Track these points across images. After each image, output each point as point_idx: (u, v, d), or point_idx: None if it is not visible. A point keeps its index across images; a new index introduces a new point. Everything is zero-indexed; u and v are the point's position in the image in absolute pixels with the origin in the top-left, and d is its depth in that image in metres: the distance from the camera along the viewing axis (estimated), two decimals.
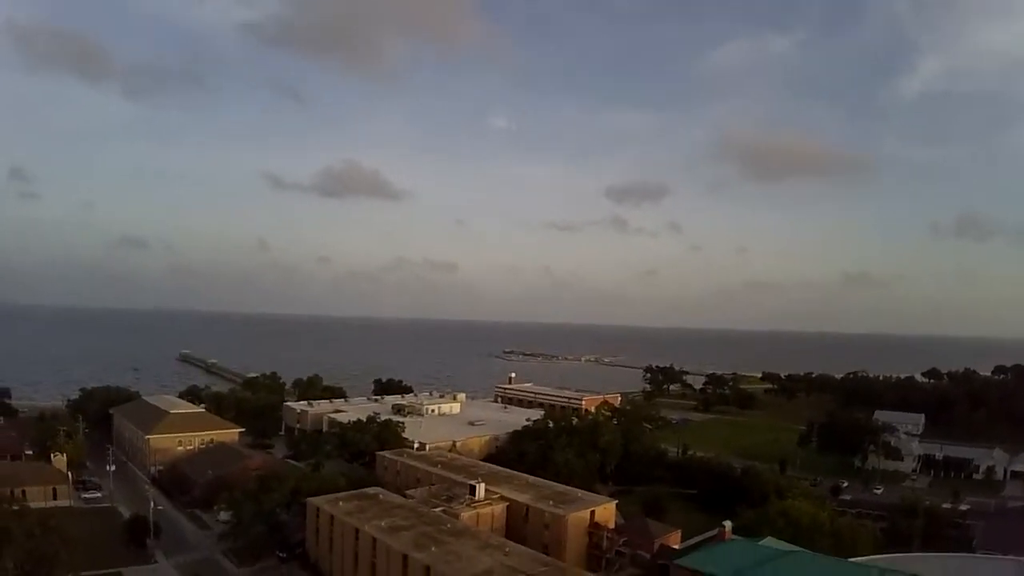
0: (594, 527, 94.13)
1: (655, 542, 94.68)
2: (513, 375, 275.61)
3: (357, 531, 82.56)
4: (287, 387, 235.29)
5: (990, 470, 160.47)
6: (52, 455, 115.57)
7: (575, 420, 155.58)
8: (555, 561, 77.69)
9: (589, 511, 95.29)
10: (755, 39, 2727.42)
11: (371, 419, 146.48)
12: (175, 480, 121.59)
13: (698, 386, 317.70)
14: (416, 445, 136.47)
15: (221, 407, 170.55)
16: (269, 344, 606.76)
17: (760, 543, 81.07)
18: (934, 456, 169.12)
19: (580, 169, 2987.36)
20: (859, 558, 79.44)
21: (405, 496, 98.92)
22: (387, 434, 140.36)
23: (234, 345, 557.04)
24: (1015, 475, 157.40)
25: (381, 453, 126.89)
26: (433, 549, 75.05)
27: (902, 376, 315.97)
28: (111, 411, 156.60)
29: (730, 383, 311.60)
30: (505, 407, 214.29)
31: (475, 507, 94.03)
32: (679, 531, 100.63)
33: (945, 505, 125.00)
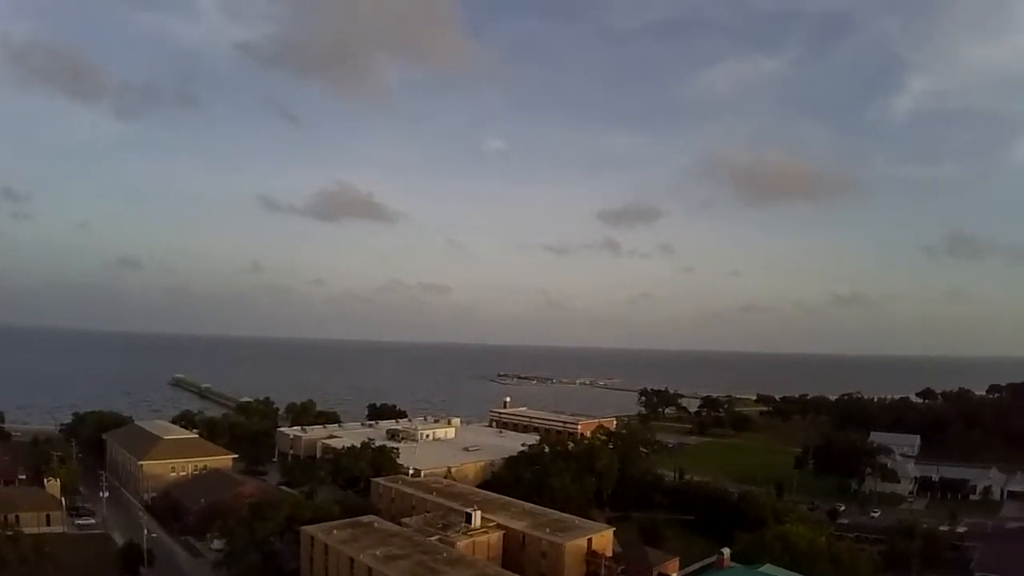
0: (592, 555, 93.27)
1: (653, 570, 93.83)
2: (508, 399, 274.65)
3: (352, 560, 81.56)
4: (280, 412, 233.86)
5: (987, 490, 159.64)
6: (46, 480, 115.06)
7: (571, 444, 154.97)
8: None
9: (587, 539, 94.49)
10: (745, 59, 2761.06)
11: (365, 445, 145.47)
12: (168, 507, 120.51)
13: (693, 409, 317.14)
14: (411, 471, 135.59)
15: (214, 432, 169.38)
16: (262, 368, 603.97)
17: (759, 570, 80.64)
18: (931, 477, 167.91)
19: (573, 190, 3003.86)
20: None
21: (401, 524, 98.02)
22: (382, 460, 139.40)
23: (227, 369, 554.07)
24: (1012, 495, 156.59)
25: (376, 480, 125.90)
26: None
27: (896, 397, 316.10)
28: (104, 436, 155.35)
29: (725, 405, 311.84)
30: (500, 432, 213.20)
31: (471, 535, 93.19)
32: (677, 559, 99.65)
33: (943, 527, 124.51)
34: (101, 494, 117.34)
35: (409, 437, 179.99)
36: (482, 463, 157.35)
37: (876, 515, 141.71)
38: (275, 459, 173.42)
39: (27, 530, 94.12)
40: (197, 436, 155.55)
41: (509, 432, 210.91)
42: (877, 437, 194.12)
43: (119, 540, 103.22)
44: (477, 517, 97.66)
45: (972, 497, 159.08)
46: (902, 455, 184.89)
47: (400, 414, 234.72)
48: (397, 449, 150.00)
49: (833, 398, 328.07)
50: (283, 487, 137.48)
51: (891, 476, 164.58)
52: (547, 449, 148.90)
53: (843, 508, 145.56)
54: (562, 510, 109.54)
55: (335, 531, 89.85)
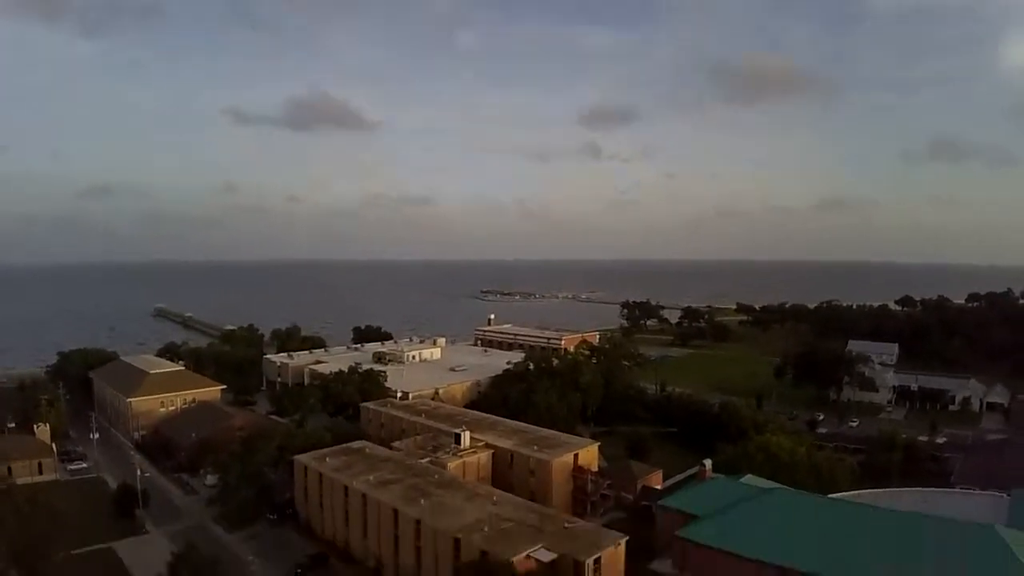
0: (578, 471, 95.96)
1: (638, 483, 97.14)
2: (492, 316, 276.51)
3: (346, 488, 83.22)
4: (265, 339, 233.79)
5: (966, 401, 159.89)
6: (35, 426, 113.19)
7: (555, 361, 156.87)
8: (543, 508, 79.22)
9: (573, 455, 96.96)
10: None
11: (353, 369, 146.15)
12: (159, 444, 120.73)
13: (675, 320, 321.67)
14: (399, 395, 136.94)
15: (200, 363, 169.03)
16: (243, 293, 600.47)
17: (741, 481, 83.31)
18: (909, 387, 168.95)
19: (552, 93, 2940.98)
20: (839, 494, 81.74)
21: (391, 448, 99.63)
22: (370, 384, 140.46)
23: (209, 296, 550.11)
24: (991, 407, 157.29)
25: (365, 405, 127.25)
26: (423, 502, 76.04)
27: (875, 305, 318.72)
28: (90, 374, 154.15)
29: (706, 316, 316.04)
30: (486, 350, 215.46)
31: (461, 456, 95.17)
32: (661, 471, 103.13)
33: (922, 438, 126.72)
34: (91, 436, 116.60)
35: (396, 359, 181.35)
36: (469, 383, 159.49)
37: (855, 425, 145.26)
38: (263, 388, 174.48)
39: (20, 480, 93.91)
40: (184, 368, 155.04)
41: (494, 350, 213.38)
42: (856, 346, 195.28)
43: (112, 483, 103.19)
44: (466, 438, 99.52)
45: (951, 408, 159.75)
46: (881, 364, 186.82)
47: (386, 336, 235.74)
48: (384, 372, 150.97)
49: (812, 306, 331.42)
50: (273, 417, 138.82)
51: (870, 385, 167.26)
52: (532, 367, 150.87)
53: (822, 418, 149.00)
54: (548, 427, 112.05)
55: (327, 459, 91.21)
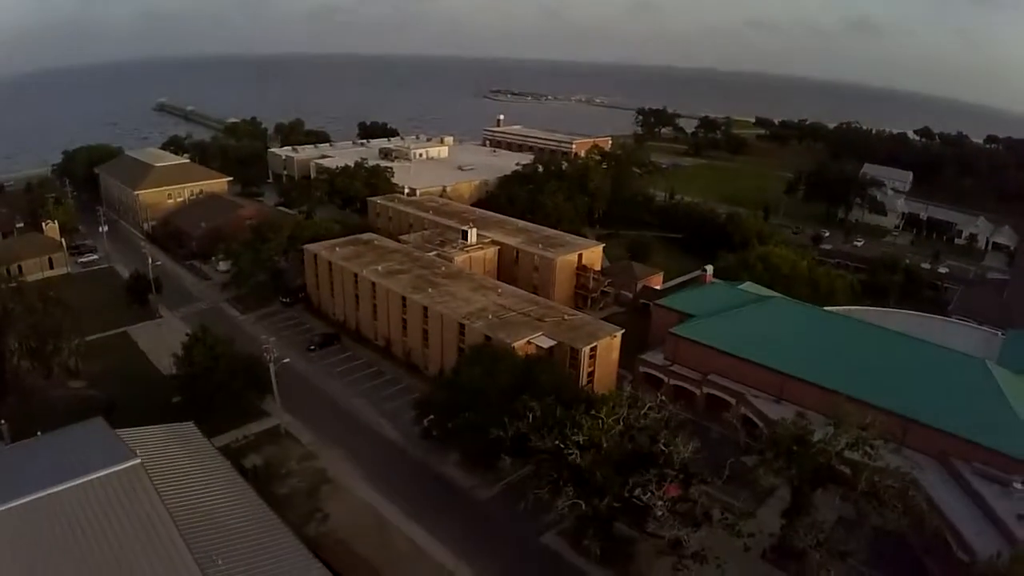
0: (581, 269, 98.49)
1: (638, 283, 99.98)
2: (502, 117, 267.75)
3: (356, 276, 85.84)
4: (269, 132, 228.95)
5: (972, 237, 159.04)
6: (44, 224, 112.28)
7: (565, 165, 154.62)
8: (544, 300, 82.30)
9: (577, 254, 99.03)
10: None
11: (359, 164, 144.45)
12: (170, 234, 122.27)
13: (690, 130, 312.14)
14: (407, 191, 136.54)
15: (205, 156, 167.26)
16: (245, 87, 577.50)
17: (739, 287, 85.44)
18: (918, 215, 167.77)
19: None
20: (834, 307, 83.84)
21: (399, 241, 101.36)
22: (376, 180, 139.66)
23: (210, 90, 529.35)
24: (996, 246, 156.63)
25: (372, 199, 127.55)
26: (430, 291, 78.86)
27: (894, 131, 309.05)
28: (96, 170, 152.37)
29: (723, 127, 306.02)
30: (494, 151, 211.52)
31: (468, 251, 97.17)
32: (661, 273, 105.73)
33: (924, 265, 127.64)
34: (100, 229, 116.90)
35: (402, 156, 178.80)
36: (476, 182, 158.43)
37: (860, 244, 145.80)
38: (269, 180, 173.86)
39: (31, 277, 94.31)
40: (189, 161, 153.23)
41: (503, 151, 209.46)
42: (870, 169, 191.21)
43: (124, 273, 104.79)
44: (473, 234, 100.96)
45: (957, 241, 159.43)
46: (893, 189, 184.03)
47: (392, 132, 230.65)
48: (391, 168, 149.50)
49: (832, 126, 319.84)
50: (281, 208, 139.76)
51: (879, 208, 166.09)
52: (541, 169, 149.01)
53: (827, 234, 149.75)
54: (554, 228, 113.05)
55: (337, 248, 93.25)
